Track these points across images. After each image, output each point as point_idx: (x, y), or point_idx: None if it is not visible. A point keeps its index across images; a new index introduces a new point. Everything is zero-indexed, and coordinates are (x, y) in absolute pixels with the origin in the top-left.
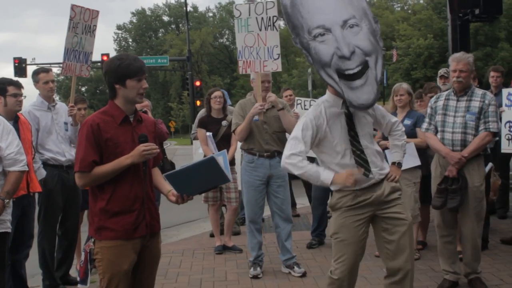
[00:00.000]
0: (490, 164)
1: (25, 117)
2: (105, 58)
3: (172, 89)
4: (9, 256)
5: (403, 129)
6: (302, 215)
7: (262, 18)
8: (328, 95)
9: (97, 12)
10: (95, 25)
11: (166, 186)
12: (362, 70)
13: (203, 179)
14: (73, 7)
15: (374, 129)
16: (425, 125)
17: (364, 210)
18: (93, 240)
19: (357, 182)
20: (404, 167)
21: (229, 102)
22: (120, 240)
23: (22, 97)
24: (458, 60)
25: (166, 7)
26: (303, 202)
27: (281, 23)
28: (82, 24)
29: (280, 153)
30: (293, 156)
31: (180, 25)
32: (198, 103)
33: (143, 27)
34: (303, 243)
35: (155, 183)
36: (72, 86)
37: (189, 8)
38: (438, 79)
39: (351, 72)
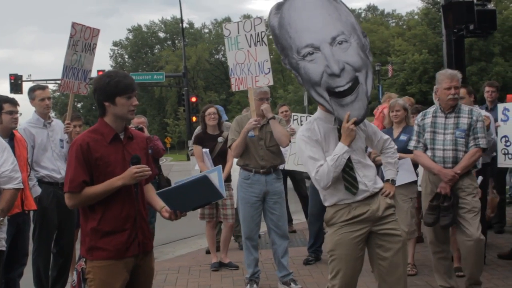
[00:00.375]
0: (480, 178)
1: (20, 134)
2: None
3: (168, 105)
4: (3, 274)
5: (395, 146)
6: (299, 231)
7: (251, 35)
8: (320, 112)
9: (98, 30)
10: (95, 44)
11: (159, 202)
12: (353, 86)
13: (196, 196)
14: (74, 25)
15: None
16: (413, 143)
17: (361, 226)
18: (84, 259)
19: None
20: (400, 182)
21: (225, 117)
22: (111, 260)
23: (18, 115)
24: (452, 77)
25: (162, 23)
26: (299, 218)
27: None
28: (82, 42)
29: (276, 169)
30: (319, 171)
31: (176, 41)
32: (194, 119)
33: (139, 44)
34: (300, 259)
35: (148, 200)
36: (69, 103)
37: (185, 25)
38: (434, 94)
39: (341, 89)
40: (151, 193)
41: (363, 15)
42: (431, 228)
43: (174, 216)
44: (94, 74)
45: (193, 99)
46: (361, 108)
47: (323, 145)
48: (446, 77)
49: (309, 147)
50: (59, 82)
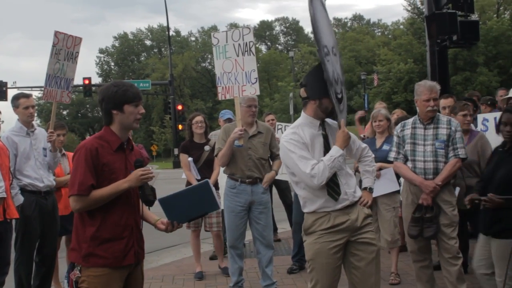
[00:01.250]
0: (457, 189)
1: (3, 142)
2: (86, 81)
3: (154, 113)
4: None
5: (373, 155)
6: (284, 239)
7: (239, 44)
8: (304, 118)
9: (80, 39)
10: (78, 52)
11: (152, 215)
12: (342, 97)
13: (195, 205)
14: (56, 34)
15: None
16: (393, 154)
17: (340, 236)
18: (79, 267)
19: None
20: (383, 192)
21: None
22: (108, 268)
23: (0, 122)
24: (431, 89)
25: (149, 31)
26: (284, 227)
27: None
28: (64, 50)
29: (261, 180)
30: (314, 168)
31: (163, 49)
32: (180, 127)
33: (125, 51)
34: (284, 268)
35: (144, 215)
36: (52, 112)
37: (171, 33)
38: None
39: (339, 96)
40: (145, 210)
41: (349, 24)
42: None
43: (171, 227)
44: (79, 81)
45: (179, 107)
46: (345, 118)
47: (308, 149)
48: (425, 88)
49: (298, 148)
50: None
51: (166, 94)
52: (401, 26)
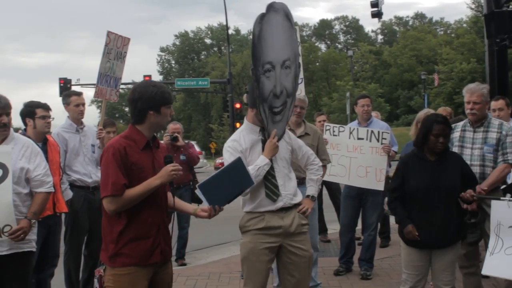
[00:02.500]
0: (508, 195)
1: (54, 138)
2: (147, 79)
3: (214, 111)
4: (34, 275)
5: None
6: (333, 240)
7: None
8: (245, 124)
9: (128, 39)
10: (126, 52)
11: (189, 206)
12: (282, 109)
13: (232, 184)
14: (108, 34)
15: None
16: None
17: (273, 239)
18: (104, 267)
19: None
20: None
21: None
22: (134, 266)
23: (50, 119)
24: (472, 92)
25: (209, 30)
26: (335, 228)
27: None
28: (115, 50)
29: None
30: None
31: (222, 47)
32: (237, 125)
33: (186, 50)
34: (331, 270)
35: (178, 207)
36: (102, 109)
37: (231, 31)
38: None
39: (276, 110)
40: (177, 200)
41: (410, 23)
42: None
43: (213, 212)
44: (140, 78)
45: (237, 105)
46: (283, 128)
47: (246, 155)
48: (466, 91)
49: (232, 157)
50: None
51: (225, 92)
52: (464, 25)
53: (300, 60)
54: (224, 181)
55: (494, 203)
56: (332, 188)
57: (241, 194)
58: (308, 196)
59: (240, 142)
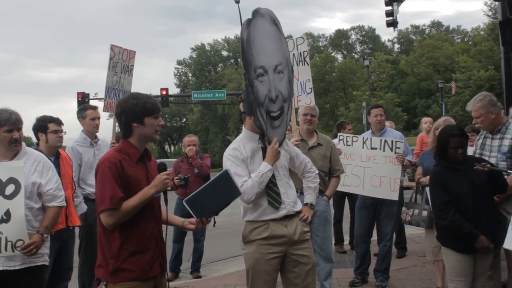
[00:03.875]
0: None
1: (67, 153)
2: (164, 92)
3: (231, 123)
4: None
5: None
6: (349, 251)
7: (294, 54)
8: (244, 132)
9: (134, 52)
10: (132, 65)
11: (177, 218)
12: (280, 114)
13: (219, 196)
14: (112, 47)
15: (413, 165)
16: None
17: (278, 249)
18: (105, 283)
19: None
20: None
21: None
22: (136, 281)
23: (63, 133)
24: (470, 108)
25: (225, 42)
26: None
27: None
28: (120, 63)
29: (322, 192)
30: (244, 185)
31: (239, 59)
32: None
33: (203, 62)
34: (346, 281)
35: (169, 219)
36: (113, 123)
37: None
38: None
39: (274, 114)
40: (168, 213)
41: (427, 31)
42: None
43: (201, 225)
44: (157, 92)
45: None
46: (282, 133)
47: (248, 163)
48: (467, 107)
49: (234, 165)
50: None
51: None
52: (482, 32)
53: (309, 70)
54: (211, 194)
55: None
56: (353, 198)
57: (228, 204)
58: (306, 204)
59: (241, 151)
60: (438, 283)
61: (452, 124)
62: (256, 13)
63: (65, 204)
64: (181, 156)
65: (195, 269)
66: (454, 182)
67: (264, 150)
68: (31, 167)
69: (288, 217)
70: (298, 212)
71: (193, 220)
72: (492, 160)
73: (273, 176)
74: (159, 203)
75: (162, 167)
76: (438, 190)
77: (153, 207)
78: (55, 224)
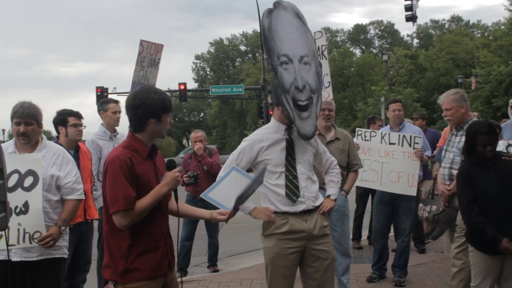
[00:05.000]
0: None
1: (87, 146)
2: (182, 87)
3: (249, 117)
4: (67, 280)
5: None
6: (366, 247)
7: None
8: (272, 122)
9: (162, 45)
10: (159, 58)
11: (204, 212)
12: (308, 105)
13: (236, 188)
14: (141, 42)
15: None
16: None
17: (298, 244)
18: (113, 283)
19: (271, 220)
20: None
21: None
22: (146, 280)
23: (82, 127)
24: (442, 101)
25: (243, 37)
26: (366, 233)
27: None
28: (148, 58)
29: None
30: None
31: (257, 54)
32: None
33: (221, 57)
34: (364, 277)
35: (191, 213)
36: None
37: None
38: (509, 108)
39: (301, 103)
40: (186, 207)
41: (446, 26)
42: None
43: (233, 213)
44: (175, 86)
45: (272, 112)
46: (312, 125)
47: (263, 152)
48: (439, 100)
49: (241, 154)
50: None
51: (260, 98)
52: (502, 27)
53: (327, 64)
54: (229, 187)
55: None
56: None
57: (253, 192)
58: (328, 196)
59: (263, 140)
60: None
61: (480, 120)
62: (278, 4)
63: (84, 197)
64: (189, 153)
65: (212, 264)
66: (482, 179)
67: (288, 142)
68: (51, 160)
69: (308, 212)
70: (318, 207)
71: (223, 210)
72: (450, 155)
73: (294, 169)
74: (167, 200)
75: (171, 164)
76: (464, 190)
77: (161, 204)
78: (73, 217)
